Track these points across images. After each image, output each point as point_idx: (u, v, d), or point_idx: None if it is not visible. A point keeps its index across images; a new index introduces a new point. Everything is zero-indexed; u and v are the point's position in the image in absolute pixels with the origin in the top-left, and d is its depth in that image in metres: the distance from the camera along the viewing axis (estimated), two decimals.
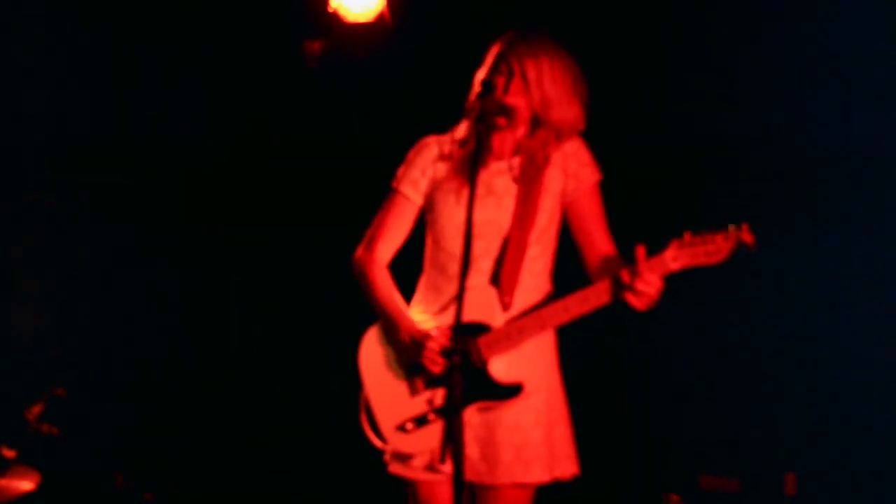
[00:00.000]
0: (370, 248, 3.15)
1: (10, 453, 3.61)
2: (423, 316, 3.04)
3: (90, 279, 4.97)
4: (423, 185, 3.10)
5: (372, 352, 3.08)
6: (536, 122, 3.01)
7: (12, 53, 4.65)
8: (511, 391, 2.89)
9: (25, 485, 3.56)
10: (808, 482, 4.25)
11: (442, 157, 3.09)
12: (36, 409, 3.77)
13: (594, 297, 2.82)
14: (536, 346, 2.96)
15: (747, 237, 2.70)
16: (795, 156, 4.22)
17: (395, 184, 3.16)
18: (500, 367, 2.91)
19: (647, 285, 2.73)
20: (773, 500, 4.28)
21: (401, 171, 3.16)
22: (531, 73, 2.95)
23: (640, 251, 2.74)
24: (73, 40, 4.79)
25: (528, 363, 2.94)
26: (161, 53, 4.92)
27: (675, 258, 2.74)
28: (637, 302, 2.76)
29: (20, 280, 4.81)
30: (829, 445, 4.17)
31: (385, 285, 3.10)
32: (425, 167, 3.11)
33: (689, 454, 4.39)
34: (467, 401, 2.88)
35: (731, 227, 2.71)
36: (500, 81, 2.96)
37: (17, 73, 4.68)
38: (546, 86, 2.95)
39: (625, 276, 2.75)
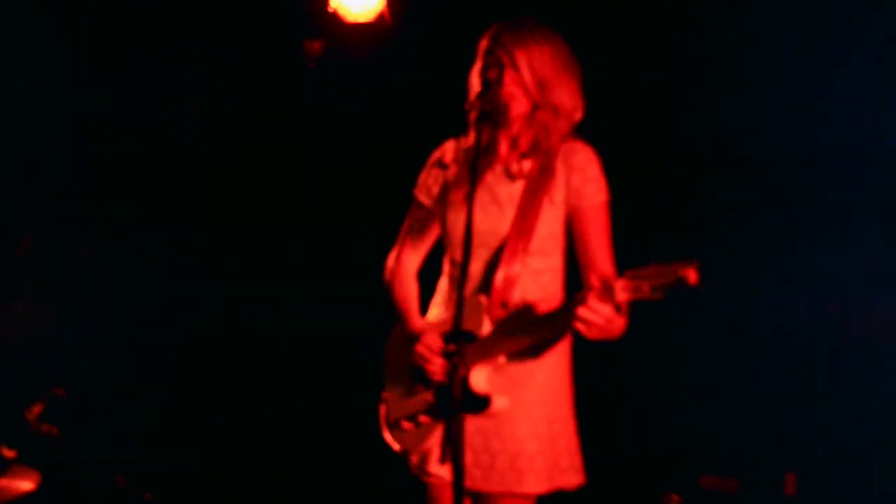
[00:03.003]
0: (397, 256, 3.18)
1: (10, 453, 3.61)
2: (431, 321, 3.05)
3: (90, 279, 4.97)
4: (436, 192, 3.10)
5: (391, 350, 3.11)
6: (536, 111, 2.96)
7: (13, 53, 4.65)
8: (480, 404, 2.82)
9: (25, 485, 3.55)
10: (808, 482, 4.25)
11: (455, 161, 3.07)
12: (36, 409, 3.77)
13: (558, 320, 2.70)
14: (539, 358, 2.90)
15: (692, 277, 2.39)
16: (795, 153, 4.22)
17: (414, 190, 3.16)
18: (482, 379, 2.85)
19: (592, 313, 2.54)
20: (773, 500, 4.28)
21: (420, 177, 3.16)
22: (521, 60, 2.91)
23: (594, 279, 2.58)
24: (74, 39, 4.80)
25: (524, 376, 2.90)
26: (162, 53, 4.92)
27: (623, 289, 2.50)
28: (584, 330, 2.58)
29: (20, 280, 4.81)
30: (829, 445, 4.18)
31: (402, 289, 3.13)
32: (439, 173, 3.10)
33: (689, 454, 4.40)
34: (445, 408, 2.84)
35: (678, 266, 2.41)
36: (494, 76, 2.91)
37: (18, 72, 4.68)
38: (538, 68, 2.91)
39: (574, 302, 2.61)
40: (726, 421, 4.36)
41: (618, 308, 2.54)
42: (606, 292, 2.53)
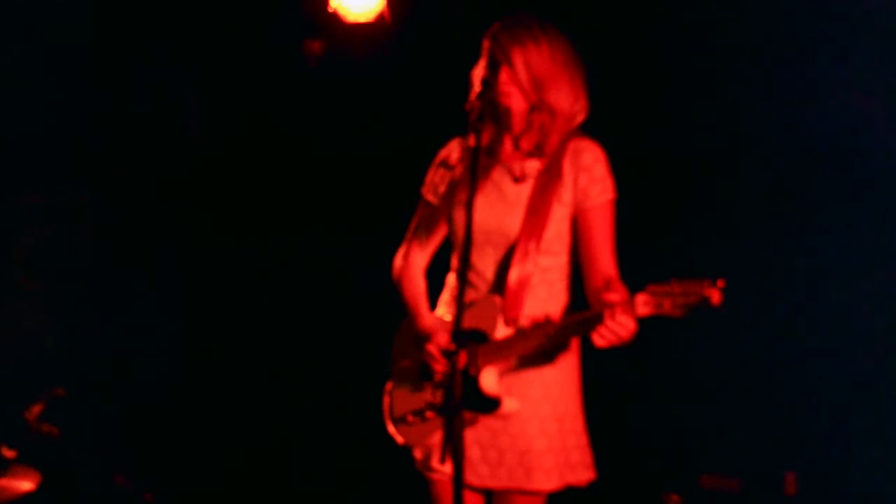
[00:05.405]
0: (405, 254, 3.20)
1: (10, 453, 3.61)
2: (443, 320, 3.05)
3: (90, 279, 4.97)
4: (443, 190, 3.10)
5: (400, 344, 3.14)
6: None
7: (11, 52, 4.65)
8: (490, 405, 2.84)
9: (25, 485, 3.56)
10: (808, 482, 4.25)
11: (461, 160, 3.07)
12: (36, 409, 3.77)
13: (579, 329, 2.72)
14: (548, 357, 2.90)
15: (715, 298, 2.47)
16: (796, 154, 4.22)
17: (421, 189, 3.17)
18: (492, 380, 2.86)
19: (619, 326, 2.58)
20: (773, 500, 4.28)
21: (427, 175, 3.17)
22: (517, 58, 2.89)
23: (612, 295, 2.61)
24: (74, 39, 4.80)
25: (532, 374, 2.90)
26: (162, 53, 4.93)
27: (645, 303, 2.55)
28: (602, 341, 2.62)
29: (20, 280, 4.81)
30: (829, 445, 4.17)
31: (411, 287, 3.14)
32: (445, 172, 3.10)
33: (689, 454, 4.39)
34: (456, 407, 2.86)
35: (702, 285, 2.46)
36: (489, 74, 2.91)
37: (17, 72, 4.68)
38: (534, 66, 2.89)
39: (600, 314, 2.62)
40: (726, 421, 4.36)
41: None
42: (628, 306, 2.56)
